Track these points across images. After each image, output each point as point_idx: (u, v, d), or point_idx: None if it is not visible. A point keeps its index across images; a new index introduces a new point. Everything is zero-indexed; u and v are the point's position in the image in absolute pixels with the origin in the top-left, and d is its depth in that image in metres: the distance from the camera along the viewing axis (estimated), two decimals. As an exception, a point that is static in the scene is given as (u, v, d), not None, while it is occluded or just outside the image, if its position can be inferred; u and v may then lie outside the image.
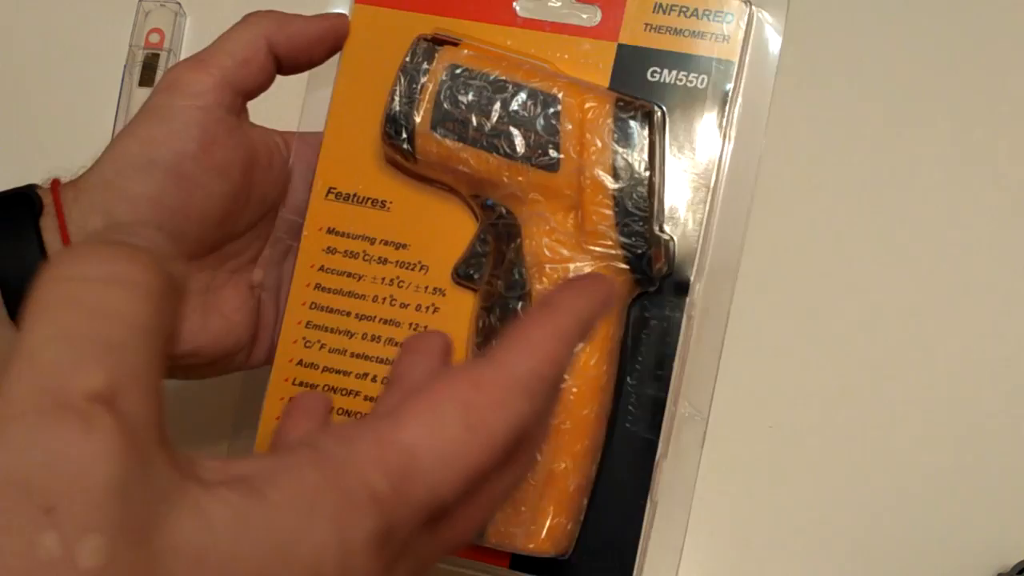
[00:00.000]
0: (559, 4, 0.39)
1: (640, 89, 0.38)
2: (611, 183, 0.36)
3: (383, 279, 0.40)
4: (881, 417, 0.48)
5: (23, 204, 0.36)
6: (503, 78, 0.37)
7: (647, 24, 0.39)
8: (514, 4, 0.40)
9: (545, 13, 0.40)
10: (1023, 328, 0.48)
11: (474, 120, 0.37)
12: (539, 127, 0.37)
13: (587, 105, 0.37)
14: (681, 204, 0.38)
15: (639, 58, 0.39)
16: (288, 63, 0.40)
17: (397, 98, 0.38)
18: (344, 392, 0.39)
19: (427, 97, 0.38)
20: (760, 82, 0.39)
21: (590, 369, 0.37)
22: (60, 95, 0.56)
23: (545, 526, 0.36)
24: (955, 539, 0.47)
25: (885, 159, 0.49)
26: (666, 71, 0.38)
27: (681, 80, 0.38)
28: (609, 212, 0.36)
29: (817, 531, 0.47)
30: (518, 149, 0.37)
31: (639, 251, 0.36)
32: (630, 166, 0.36)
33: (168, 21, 0.56)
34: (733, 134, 0.38)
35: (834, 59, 0.49)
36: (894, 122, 0.48)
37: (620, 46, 0.39)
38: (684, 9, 0.39)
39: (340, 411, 0.39)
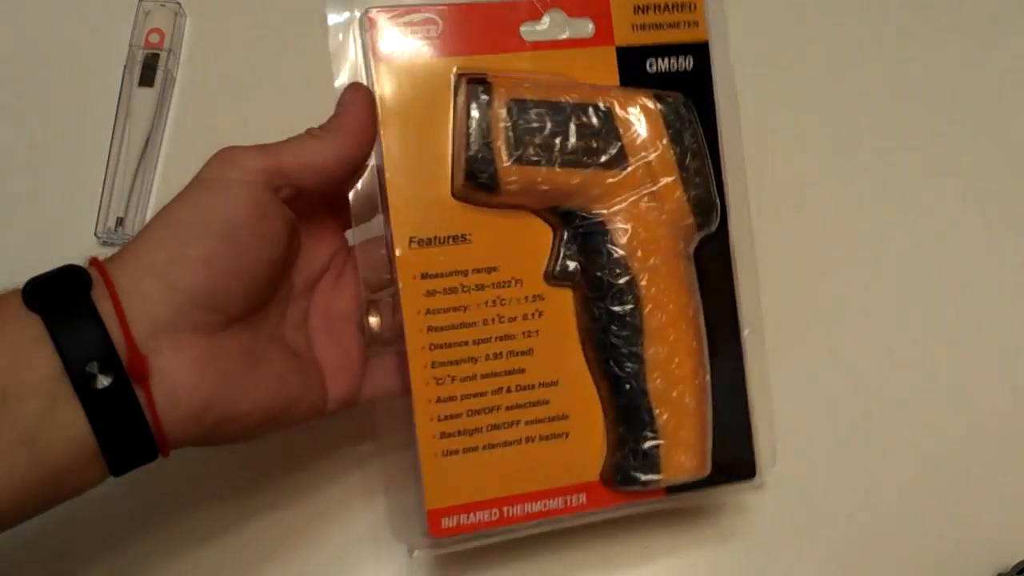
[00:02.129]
0: (557, 23, 0.45)
1: (644, 81, 0.45)
2: (676, 168, 0.43)
3: (486, 302, 0.44)
4: (881, 418, 0.52)
5: (70, 279, 0.36)
6: (558, 100, 0.43)
7: (634, 25, 0.45)
8: (519, 31, 0.44)
9: (546, 34, 0.45)
10: (1023, 329, 0.54)
11: (546, 144, 0.42)
12: (603, 136, 0.43)
13: (636, 108, 0.43)
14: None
15: (636, 55, 0.45)
16: (359, 166, 0.42)
17: (471, 141, 0.42)
18: (487, 411, 0.44)
19: (499, 133, 0.42)
20: (720, 52, 0.47)
21: (694, 317, 0.45)
22: (60, 95, 0.56)
23: (702, 454, 0.45)
24: (955, 539, 0.49)
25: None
26: (660, 60, 0.46)
27: (673, 66, 0.46)
28: (680, 193, 0.44)
29: (817, 530, 0.51)
30: (590, 159, 0.43)
31: (708, 214, 0.44)
32: (686, 150, 0.44)
33: (168, 21, 0.57)
34: (719, 101, 0.47)
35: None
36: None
37: (619, 48, 0.45)
38: (657, 6, 0.46)
39: (489, 427, 0.44)
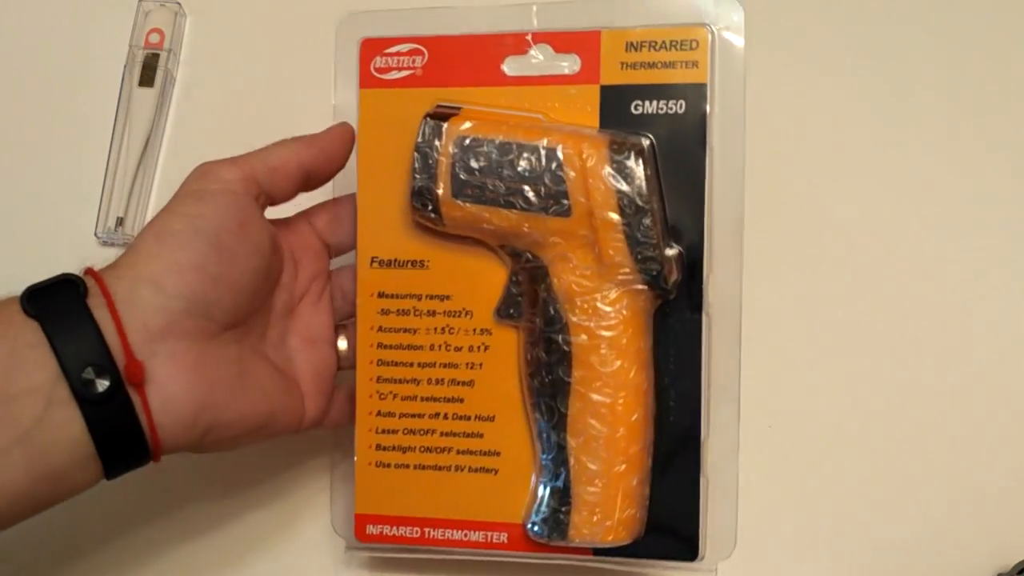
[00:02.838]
0: (541, 58, 0.44)
1: (627, 123, 0.43)
2: (619, 219, 0.41)
3: (435, 328, 0.45)
4: (881, 418, 0.50)
5: (67, 288, 0.38)
6: (507, 140, 0.42)
7: (623, 63, 0.43)
8: (502, 66, 0.44)
9: (529, 69, 0.44)
10: (1022, 330, 0.50)
11: (488, 183, 0.42)
12: (547, 180, 0.41)
13: (585, 153, 0.41)
14: (682, 218, 0.43)
15: (621, 95, 0.43)
16: (317, 175, 0.45)
17: (417, 175, 0.43)
18: (422, 432, 0.45)
19: (443, 170, 0.42)
20: (733, 94, 0.43)
21: (630, 380, 0.42)
22: (60, 95, 0.57)
23: (618, 520, 0.42)
24: (955, 539, 0.49)
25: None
26: (647, 103, 0.43)
27: (662, 109, 0.43)
28: (622, 245, 0.41)
29: (818, 531, 0.49)
30: (532, 202, 0.42)
31: (654, 272, 0.41)
32: (632, 201, 0.41)
33: (168, 21, 0.57)
34: (716, 147, 0.43)
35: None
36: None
37: (603, 87, 0.43)
38: (653, 44, 0.43)
39: (422, 448, 0.45)
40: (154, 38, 0.56)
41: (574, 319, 0.42)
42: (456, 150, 0.42)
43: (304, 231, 0.47)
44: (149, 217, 0.51)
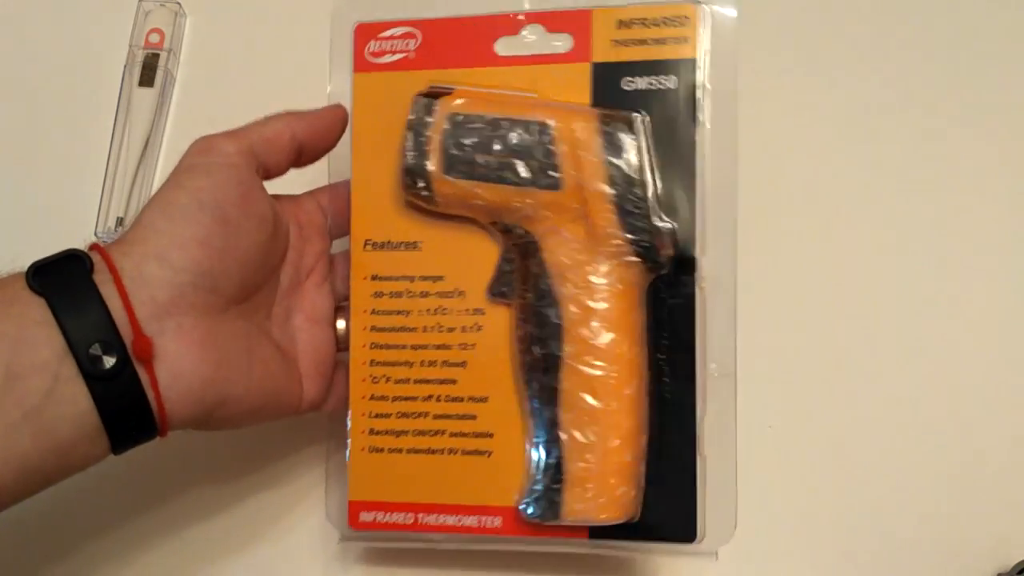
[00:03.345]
0: (534, 38, 0.44)
1: (618, 99, 0.43)
2: (609, 191, 0.41)
3: (428, 310, 0.45)
4: (881, 417, 0.50)
5: (73, 264, 0.38)
6: (498, 116, 0.42)
7: (615, 40, 0.43)
8: (494, 46, 0.44)
9: (522, 48, 0.44)
10: (1023, 329, 0.50)
11: (480, 159, 0.42)
12: (537, 153, 0.41)
13: (575, 126, 0.41)
14: (675, 193, 0.42)
15: (613, 72, 0.43)
16: (309, 149, 0.45)
17: (409, 152, 0.43)
18: (415, 415, 0.44)
19: (435, 147, 0.42)
20: (725, 70, 0.43)
21: (624, 354, 0.41)
22: (60, 95, 0.57)
23: (612, 497, 0.41)
24: (955, 539, 0.48)
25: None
26: (638, 79, 0.43)
27: (653, 84, 0.43)
28: (613, 216, 0.41)
29: (817, 531, 0.49)
30: (523, 176, 0.42)
31: (645, 244, 0.41)
32: (623, 172, 0.41)
33: (168, 21, 0.57)
34: (708, 122, 0.43)
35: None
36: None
37: (595, 64, 0.43)
38: (644, 20, 0.43)
39: (415, 432, 0.44)
40: (154, 38, 0.57)
41: (565, 292, 0.42)
42: (448, 127, 0.42)
43: (311, 208, 0.47)
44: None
